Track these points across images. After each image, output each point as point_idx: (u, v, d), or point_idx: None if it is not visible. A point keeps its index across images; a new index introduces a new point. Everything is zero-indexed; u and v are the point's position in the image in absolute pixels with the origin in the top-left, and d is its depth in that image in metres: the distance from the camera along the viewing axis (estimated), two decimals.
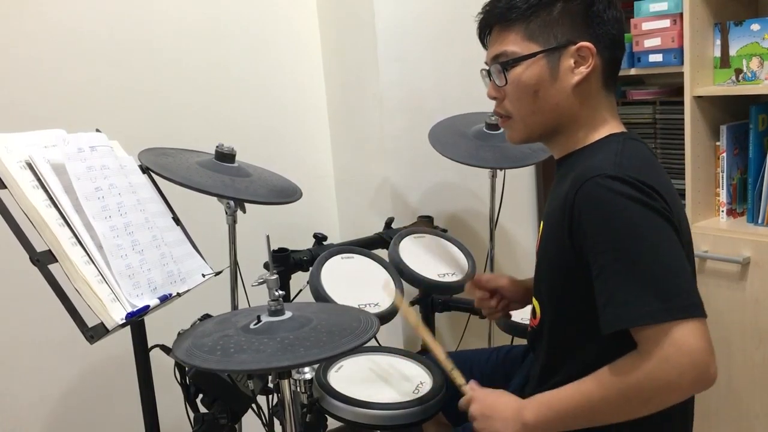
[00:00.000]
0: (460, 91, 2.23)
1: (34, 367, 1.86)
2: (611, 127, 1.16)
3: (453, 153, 1.93)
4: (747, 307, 1.75)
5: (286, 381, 1.24)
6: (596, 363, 1.08)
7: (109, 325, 1.19)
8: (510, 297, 1.44)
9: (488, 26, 1.18)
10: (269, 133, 2.26)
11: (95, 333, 1.17)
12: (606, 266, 1.00)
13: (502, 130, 1.95)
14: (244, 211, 1.65)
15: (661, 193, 1.02)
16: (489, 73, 1.18)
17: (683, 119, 1.86)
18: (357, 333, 1.14)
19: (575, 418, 1.05)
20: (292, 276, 1.81)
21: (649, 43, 1.94)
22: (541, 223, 1.21)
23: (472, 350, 1.58)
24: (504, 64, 1.14)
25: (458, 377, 1.19)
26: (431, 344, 1.28)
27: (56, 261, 1.18)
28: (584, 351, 1.12)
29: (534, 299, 1.25)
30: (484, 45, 1.20)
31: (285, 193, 1.70)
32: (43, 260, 1.16)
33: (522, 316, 1.63)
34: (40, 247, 1.17)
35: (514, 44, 1.13)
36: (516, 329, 1.60)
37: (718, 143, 1.89)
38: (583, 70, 1.11)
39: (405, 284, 1.71)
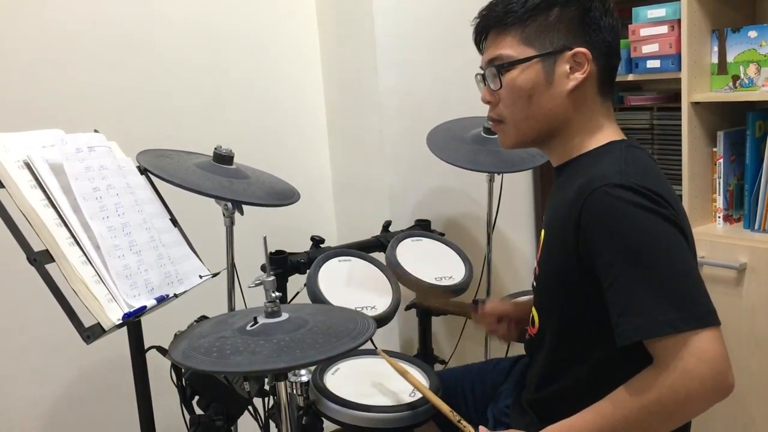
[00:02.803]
0: (458, 96, 2.23)
1: (30, 367, 1.86)
2: (609, 134, 1.15)
3: (451, 157, 1.93)
4: (743, 313, 1.76)
5: (283, 383, 1.24)
6: (598, 371, 1.08)
7: (106, 326, 1.19)
8: (518, 318, 1.44)
9: (485, 30, 1.17)
10: (268, 136, 2.27)
11: (92, 333, 1.17)
12: (618, 277, 0.98)
13: None
14: (242, 213, 1.65)
15: (668, 200, 1.02)
16: (484, 77, 1.18)
17: (680, 125, 1.87)
18: (353, 335, 1.13)
19: None
20: (290, 278, 1.81)
21: (646, 49, 1.95)
22: (542, 232, 1.20)
23: (461, 367, 1.57)
24: (499, 67, 1.13)
25: (467, 426, 1.17)
26: (435, 401, 1.25)
27: (53, 261, 1.18)
28: (586, 359, 1.11)
29: (533, 308, 1.24)
30: (480, 49, 1.20)
31: (283, 196, 1.70)
32: (40, 260, 1.16)
33: None
34: (37, 247, 1.17)
35: (509, 48, 1.13)
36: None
37: (715, 149, 1.90)
38: (578, 76, 1.11)
39: (402, 288, 1.71)
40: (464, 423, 1.17)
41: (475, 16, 1.18)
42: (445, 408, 1.22)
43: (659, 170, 1.14)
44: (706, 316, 0.95)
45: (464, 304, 1.57)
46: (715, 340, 0.94)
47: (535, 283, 1.24)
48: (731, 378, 0.95)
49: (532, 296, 1.27)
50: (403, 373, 1.32)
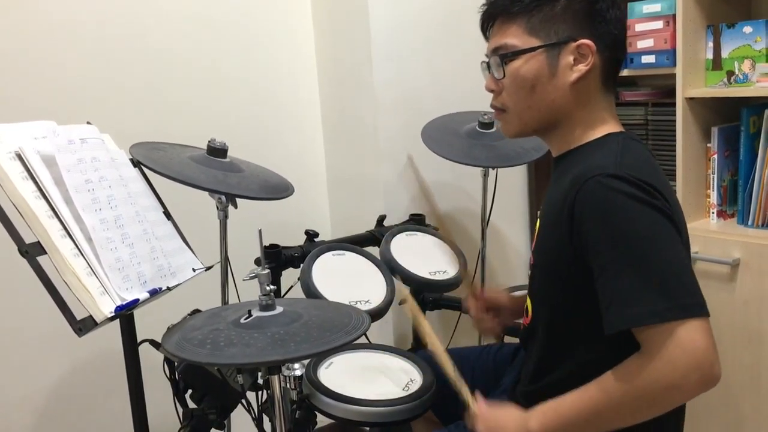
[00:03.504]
0: (453, 90, 2.23)
1: (21, 360, 1.84)
2: (609, 127, 1.15)
3: (445, 151, 1.93)
4: (736, 308, 1.76)
5: (276, 377, 1.23)
6: (592, 361, 1.08)
7: (98, 318, 1.18)
8: (510, 310, 1.44)
9: (491, 18, 1.17)
10: (262, 129, 2.26)
11: (84, 326, 1.16)
12: (608, 265, 0.99)
13: (495, 129, 1.96)
14: (236, 207, 1.65)
15: (661, 192, 1.02)
16: (489, 65, 1.18)
17: (675, 121, 1.87)
18: (348, 329, 1.13)
19: (581, 425, 1.04)
20: (283, 273, 1.81)
21: (642, 44, 1.95)
22: (538, 221, 1.20)
23: (462, 348, 1.58)
24: (503, 56, 1.13)
25: (467, 394, 1.17)
26: (441, 356, 1.23)
27: (45, 253, 1.17)
28: (580, 349, 1.11)
29: (528, 297, 1.25)
30: (486, 37, 1.20)
31: (277, 189, 1.69)
32: (32, 252, 1.15)
33: None
34: (29, 239, 1.16)
35: (514, 37, 1.12)
36: (507, 328, 1.60)
37: (709, 145, 1.90)
38: (581, 67, 1.11)
39: (396, 281, 1.70)
40: (465, 390, 1.17)
41: (483, 3, 1.18)
42: (450, 370, 1.21)
43: (656, 163, 1.14)
44: (692, 307, 0.95)
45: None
46: (701, 331, 0.95)
47: (530, 272, 1.25)
48: (717, 369, 0.96)
49: (526, 291, 1.28)
50: (419, 325, 1.31)
